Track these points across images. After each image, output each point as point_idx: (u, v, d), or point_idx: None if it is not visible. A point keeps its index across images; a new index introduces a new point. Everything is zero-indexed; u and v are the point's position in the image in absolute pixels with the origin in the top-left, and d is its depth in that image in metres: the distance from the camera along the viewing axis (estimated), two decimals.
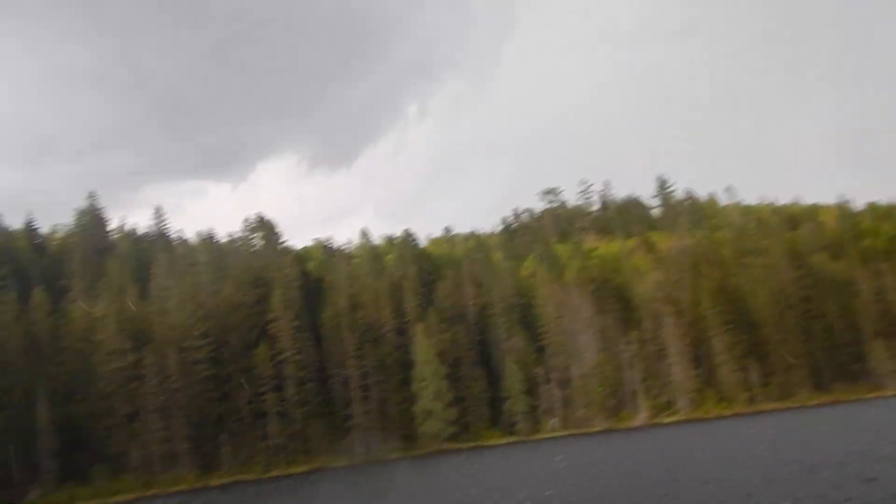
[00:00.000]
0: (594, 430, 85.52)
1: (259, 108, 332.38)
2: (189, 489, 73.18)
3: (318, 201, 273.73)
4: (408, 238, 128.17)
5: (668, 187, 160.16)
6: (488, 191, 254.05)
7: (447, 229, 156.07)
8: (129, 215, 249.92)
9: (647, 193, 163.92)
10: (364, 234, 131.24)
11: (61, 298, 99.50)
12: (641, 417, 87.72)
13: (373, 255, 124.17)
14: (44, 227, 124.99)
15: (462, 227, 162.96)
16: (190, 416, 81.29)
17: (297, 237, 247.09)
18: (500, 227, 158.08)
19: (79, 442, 78.44)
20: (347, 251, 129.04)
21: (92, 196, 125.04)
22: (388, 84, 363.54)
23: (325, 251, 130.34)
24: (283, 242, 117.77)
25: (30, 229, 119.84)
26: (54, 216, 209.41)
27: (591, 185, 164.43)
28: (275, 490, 63.55)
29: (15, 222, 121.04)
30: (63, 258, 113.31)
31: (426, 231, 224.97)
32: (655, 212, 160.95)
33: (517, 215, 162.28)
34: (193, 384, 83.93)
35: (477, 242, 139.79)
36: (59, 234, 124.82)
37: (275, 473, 77.21)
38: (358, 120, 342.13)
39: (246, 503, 61.31)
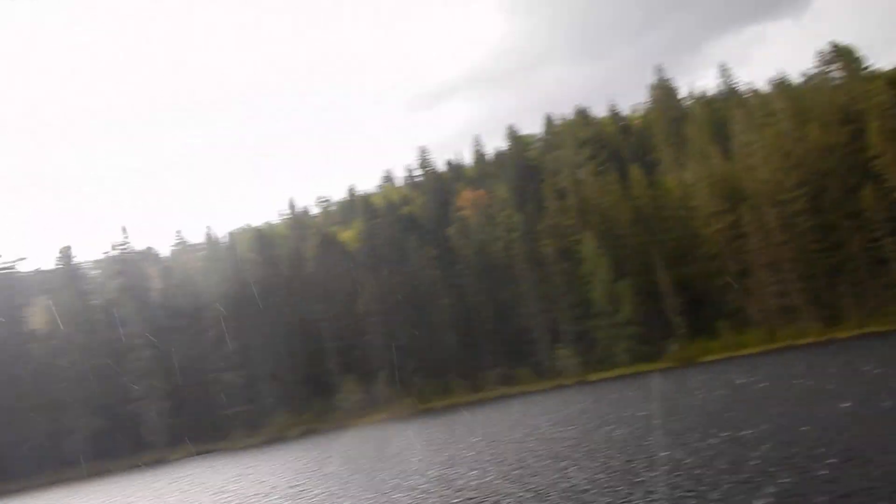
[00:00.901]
0: None
1: None
2: (814, 342, 72.82)
3: None
4: None
5: None
6: None
7: None
8: (696, 79, 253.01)
9: None
10: None
11: (653, 171, 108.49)
12: None
13: None
14: (625, 109, 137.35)
15: None
16: (800, 270, 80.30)
17: (883, 57, 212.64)
18: None
19: (699, 300, 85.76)
20: None
21: (659, 70, 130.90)
22: None
23: None
24: (867, 68, 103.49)
25: (614, 114, 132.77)
26: (631, 97, 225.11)
27: None
28: None
29: (600, 112, 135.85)
30: (646, 134, 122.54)
31: None
32: None
33: None
34: (797, 237, 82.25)
35: None
36: (639, 113, 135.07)
37: None
38: None
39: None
